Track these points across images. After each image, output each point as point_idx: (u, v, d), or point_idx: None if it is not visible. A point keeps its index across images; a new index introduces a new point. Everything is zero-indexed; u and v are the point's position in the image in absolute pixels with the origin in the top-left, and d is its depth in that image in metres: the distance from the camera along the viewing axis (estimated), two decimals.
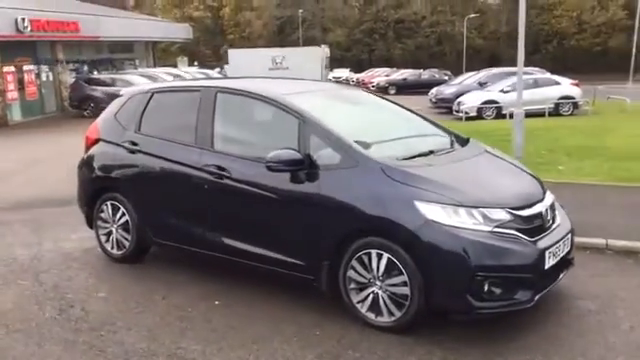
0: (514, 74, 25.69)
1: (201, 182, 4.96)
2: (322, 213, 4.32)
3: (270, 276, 4.87)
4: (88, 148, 6.06)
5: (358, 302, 4.28)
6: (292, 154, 4.38)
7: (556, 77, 23.44)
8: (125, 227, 5.67)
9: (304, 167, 4.38)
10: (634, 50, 27.16)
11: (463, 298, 3.87)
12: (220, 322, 4.44)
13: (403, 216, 3.99)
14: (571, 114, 22.44)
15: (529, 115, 14.68)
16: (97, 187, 5.89)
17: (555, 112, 21.78)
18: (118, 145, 5.68)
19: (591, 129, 15.46)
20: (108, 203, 5.77)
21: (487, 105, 22.27)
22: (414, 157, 4.51)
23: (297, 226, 4.48)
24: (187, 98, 5.44)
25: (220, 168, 4.85)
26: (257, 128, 5.19)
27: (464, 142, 5.13)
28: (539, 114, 20.46)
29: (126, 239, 5.69)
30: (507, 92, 22.39)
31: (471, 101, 22.60)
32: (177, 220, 5.24)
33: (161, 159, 5.31)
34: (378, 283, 4.15)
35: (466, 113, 21.95)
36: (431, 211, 3.93)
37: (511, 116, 20.72)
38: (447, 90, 26.00)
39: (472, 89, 24.89)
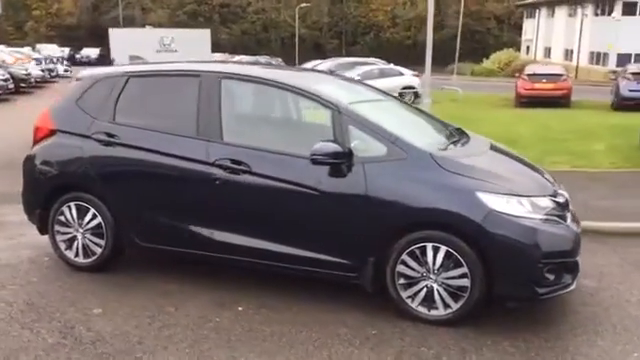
0: (360, 64, 27.12)
1: (209, 177, 4.50)
2: (369, 208, 4.16)
3: (279, 276, 4.62)
4: (38, 141, 5.17)
5: (408, 297, 4.22)
6: (335, 146, 4.16)
7: (399, 68, 24.89)
8: (96, 231, 4.94)
9: (346, 160, 4.19)
10: (458, 44, 29.78)
11: (528, 286, 4.00)
12: (263, 330, 4.09)
13: (466, 208, 4.00)
14: (412, 103, 24.07)
15: None
16: (56, 186, 5.04)
17: None
18: (86, 137, 4.92)
19: (458, 117, 16.62)
20: (71, 204, 4.98)
21: None
22: (447, 147, 4.54)
23: (338, 223, 4.27)
24: (179, 84, 4.88)
25: (235, 162, 4.44)
26: (279, 119, 4.82)
27: (462, 132, 5.24)
28: None
29: (98, 245, 4.97)
30: None
31: None
32: (174, 221, 4.69)
33: (150, 152, 4.71)
34: (433, 276, 4.12)
35: None
36: (493, 201, 3.99)
37: None
38: None
39: None
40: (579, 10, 43.08)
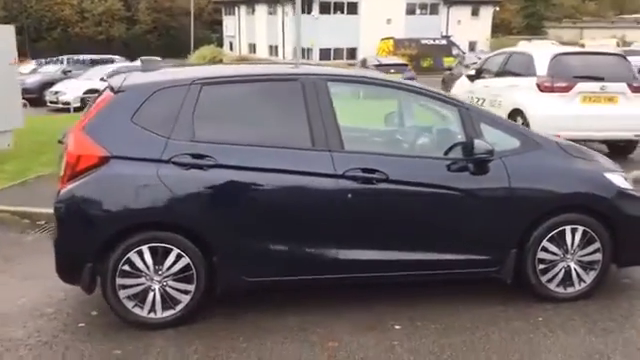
0: (97, 62, 25.01)
1: (339, 191, 4.03)
2: (514, 201, 4.26)
3: (386, 286, 4.45)
4: (80, 173, 3.86)
5: (547, 281, 4.43)
6: (486, 144, 4.14)
7: None
8: (182, 275, 3.97)
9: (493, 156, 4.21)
10: (192, 38, 29.50)
11: None
12: (451, 344, 3.86)
13: (600, 188, 4.41)
14: None
15: None
16: (120, 229, 3.87)
17: None
18: (161, 162, 3.89)
19: None
20: (143, 248, 3.90)
21: (90, 95, 21.00)
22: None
23: (483, 220, 4.26)
24: (274, 90, 4.19)
25: (368, 171, 4.06)
26: (396, 121, 4.46)
27: None
28: None
29: (184, 292, 4.00)
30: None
31: (72, 91, 20.99)
32: (294, 246, 4.06)
33: (261, 172, 3.98)
34: (570, 256, 4.41)
35: (67, 104, 20.51)
36: (616, 179, 4.48)
37: None
38: (28, 80, 23.03)
39: (59, 78, 22.94)
40: (279, 9, 46.31)
